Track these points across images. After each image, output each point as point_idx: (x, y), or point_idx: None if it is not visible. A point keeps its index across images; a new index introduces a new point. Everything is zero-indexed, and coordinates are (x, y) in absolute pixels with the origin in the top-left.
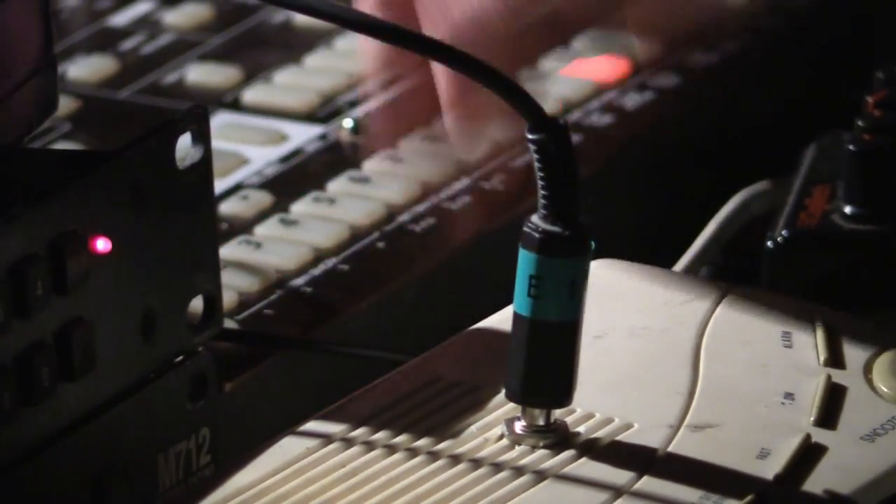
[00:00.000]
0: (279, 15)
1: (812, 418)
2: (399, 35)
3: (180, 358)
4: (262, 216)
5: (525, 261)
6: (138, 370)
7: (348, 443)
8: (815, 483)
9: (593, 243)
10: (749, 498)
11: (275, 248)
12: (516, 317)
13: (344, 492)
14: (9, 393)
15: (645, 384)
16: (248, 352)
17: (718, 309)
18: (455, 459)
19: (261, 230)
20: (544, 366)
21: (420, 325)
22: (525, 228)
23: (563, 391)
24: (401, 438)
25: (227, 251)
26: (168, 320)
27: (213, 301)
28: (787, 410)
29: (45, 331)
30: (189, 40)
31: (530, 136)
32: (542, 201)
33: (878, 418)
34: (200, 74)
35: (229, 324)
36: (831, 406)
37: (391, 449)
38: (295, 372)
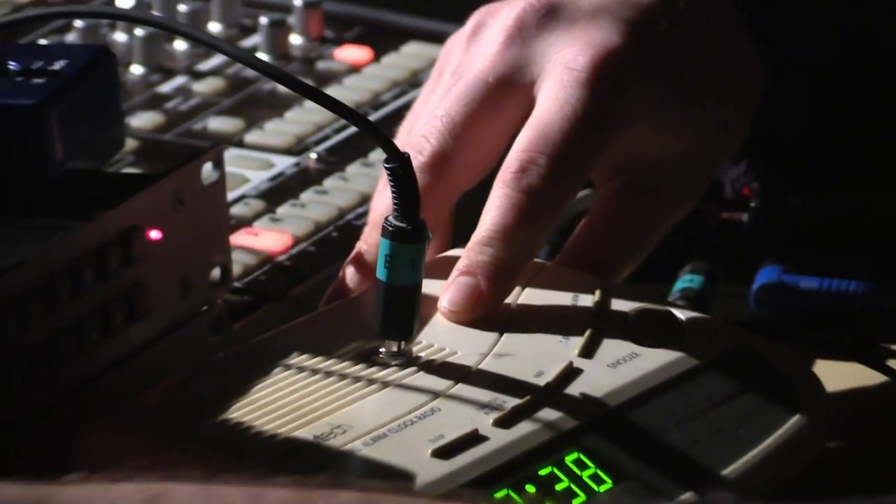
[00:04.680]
0: (267, 83)
1: (576, 352)
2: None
3: (205, 307)
4: (257, 216)
5: (383, 245)
6: (178, 315)
7: (277, 363)
8: (570, 391)
9: (430, 234)
10: (526, 399)
11: (266, 235)
12: (377, 282)
13: (264, 395)
14: (95, 330)
15: (472, 327)
16: (248, 303)
17: (535, 277)
18: (335, 374)
19: (257, 224)
20: (394, 313)
21: None
22: (383, 224)
23: (407, 331)
24: (306, 360)
25: (235, 238)
26: (197, 282)
27: (226, 270)
28: (562, 347)
29: (118, 289)
30: (209, 101)
31: (386, 165)
32: (394, 207)
33: (623, 353)
34: (214, 124)
35: (236, 285)
36: (591, 345)
37: (296, 368)
38: (280, 318)
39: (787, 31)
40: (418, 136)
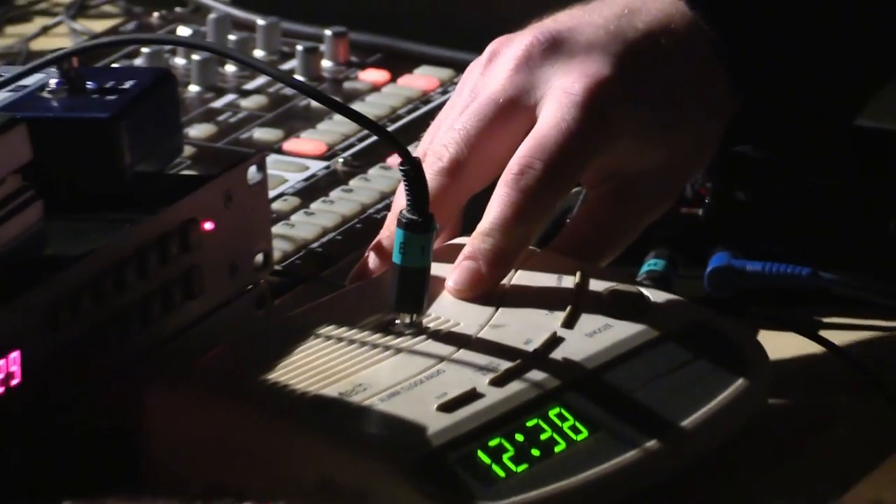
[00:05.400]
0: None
1: (560, 323)
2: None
3: (250, 286)
4: (294, 211)
5: (398, 234)
6: (227, 293)
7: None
8: (554, 356)
9: (437, 226)
10: (517, 362)
11: (301, 226)
12: (393, 265)
13: (299, 358)
14: (158, 306)
15: (473, 302)
16: (286, 283)
17: (527, 262)
18: (357, 342)
19: (293, 218)
20: (407, 291)
21: None
22: (398, 217)
23: (418, 305)
24: (333, 329)
25: (275, 229)
26: (243, 266)
27: (268, 256)
28: (548, 319)
29: (177, 272)
30: (254, 115)
31: (401, 168)
32: (407, 202)
33: (598, 325)
34: (258, 134)
35: (276, 268)
36: (572, 317)
37: (325, 337)
38: (312, 295)
39: (756, 64)
40: (439, 144)
